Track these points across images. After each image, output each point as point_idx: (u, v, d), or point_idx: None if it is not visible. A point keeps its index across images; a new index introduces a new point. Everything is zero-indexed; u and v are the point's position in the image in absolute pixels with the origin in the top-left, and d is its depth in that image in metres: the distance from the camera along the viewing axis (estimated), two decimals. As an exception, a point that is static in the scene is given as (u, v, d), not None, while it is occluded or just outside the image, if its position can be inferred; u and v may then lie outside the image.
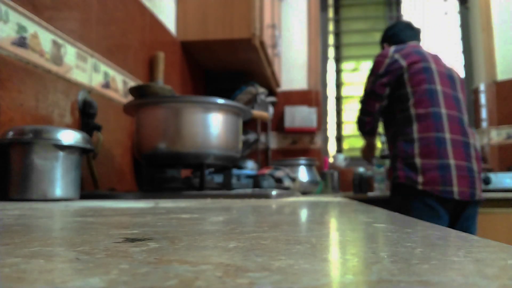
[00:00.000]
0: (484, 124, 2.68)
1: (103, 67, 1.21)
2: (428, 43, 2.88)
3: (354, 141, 3.02)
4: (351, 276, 0.13)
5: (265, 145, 2.73)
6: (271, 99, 2.59)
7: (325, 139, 2.96)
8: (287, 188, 1.33)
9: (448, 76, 1.61)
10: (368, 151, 1.90)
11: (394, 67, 1.62)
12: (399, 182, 1.49)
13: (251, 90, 2.11)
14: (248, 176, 1.20)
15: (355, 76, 3.05)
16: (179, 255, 0.17)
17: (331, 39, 3.07)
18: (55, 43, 0.99)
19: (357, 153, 2.95)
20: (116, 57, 1.29)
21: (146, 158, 1.06)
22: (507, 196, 1.91)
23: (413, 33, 1.76)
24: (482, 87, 2.70)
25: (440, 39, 2.93)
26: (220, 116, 1.04)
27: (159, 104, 1.02)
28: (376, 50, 3.11)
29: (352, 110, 3.01)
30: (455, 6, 2.94)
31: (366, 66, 3.00)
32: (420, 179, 1.45)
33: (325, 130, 2.97)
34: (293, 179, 1.46)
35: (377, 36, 3.14)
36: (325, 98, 3.01)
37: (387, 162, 2.32)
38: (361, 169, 2.81)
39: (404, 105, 1.57)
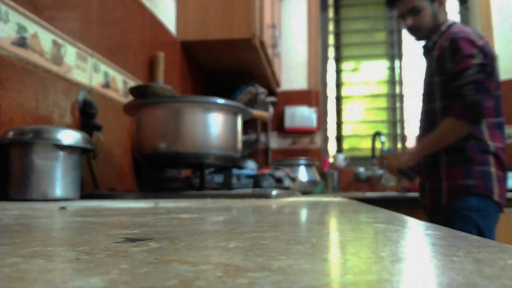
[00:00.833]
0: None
1: (103, 67, 1.21)
2: (428, 43, 2.88)
3: (354, 141, 3.02)
4: (351, 276, 0.13)
5: (265, 145, 2.73)
6: (271, 99, 2.59)
7: (325, 139, 2.96)
8: (287, 188, 1.33)
9: None
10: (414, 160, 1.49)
11: (492, 53, 1.38)
12: (476, 192, 1.35)
13: (251, 90, 2.11)
14: (248, 176, 1.20)
15: (355, 76, 3.05)
16: (179, 255, 0.17)
17: (331, 39, 3.07)
18: (55, 43, 0.99)
19: (358, 153, 2.96)
20: (116, 57, 1.29)
21: (146, 158, 1.06)
22: (508, 196, 1.90)
23: None
24: (482, 87, 2.70)
25: (440, 39, 2.93)
26: (220, 116, 1.04)
27: (159, 104, 1.02)
28: (376, 50, 3.11)
29: (351, 110, 3.01)
30: (455, 6, 2.94)
31: (366, 66, 3.00)
32: (496, 190, 1.35)
33: (325, 130, 2.97)
34: (293, 179, 1.46)
35: (377, 36, 3.14)
36: (325, 98, 3.01)
37: None
38: (361, 169, 2.81)
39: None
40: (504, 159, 1.40)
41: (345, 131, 3.03)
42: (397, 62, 2.97)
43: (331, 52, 3.07)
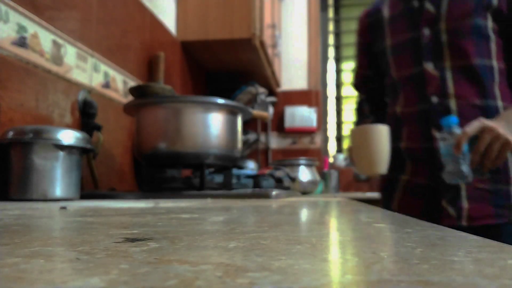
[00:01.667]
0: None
1: (103, 67, 1.21)
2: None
3: (354, 141, 3.02)
4: (351, 276, 0.13)
5: (265, 145, 2.73)
6: (271, 99, 2.59)
7: (325, 139, 2.96)
8: (287, 188, 1.33)
9: None
10: None
11: None
12: None
13: (251, 90, 2.12)
14: (248, 176, 1.20)
15: (355, 76, 3.05)
16: (179, 255, 0.17)
17: (331, 39, 3.07)
18: (55, 43, 0.99)
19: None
20: (116, 57, 1.29)
21: (146, 158, 1.06)
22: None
23: None
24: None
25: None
26: (220, 116, 1.04)
27: (159, 104, 1.02)
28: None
29: (352, 110, 3.01)
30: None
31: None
32: None
33: (325, 130, 2.97)
34: (293, 179, 1.45)
35: (377, 36, 3.14)
36: (325, 98, 3.01)
37: None
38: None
39: None
40: None
41: (345, 131, 3.03)
42: (397, 62, 2.97)
43: (331, 52, 3.07)
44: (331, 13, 3.10)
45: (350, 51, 3.07)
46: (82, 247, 0.19)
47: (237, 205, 0.59)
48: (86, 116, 1.08)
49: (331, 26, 3.08)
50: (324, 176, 2.58)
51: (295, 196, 1.18)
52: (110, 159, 1.25)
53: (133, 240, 0.21)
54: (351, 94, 3.04)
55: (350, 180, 2.84)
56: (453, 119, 0.94)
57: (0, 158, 0.77)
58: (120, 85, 1.30)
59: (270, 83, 2.45)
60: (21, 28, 0.88)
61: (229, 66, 2.18)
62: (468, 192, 0.98)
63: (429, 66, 1.03)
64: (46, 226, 0.30)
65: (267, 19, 2.10)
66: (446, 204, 1.00)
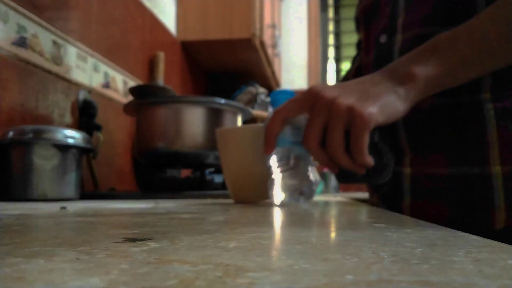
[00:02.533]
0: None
1: (103, 67, 1.21)
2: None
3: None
4: (351, 276, 0.13)
5: (265, 145, 2.73)
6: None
7: (325, 139, 2.96)
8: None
9: None
10: None
11: None
12: None
13: (251, 90, 2.12)
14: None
15: (355, 76, 3.05)
16: (179, 255, 0.17)
17: (331, 39, 3.07)
18: (55, 43, 0.99)
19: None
20: (116, 57, 1.29)
21: (146, 158, 1.06)
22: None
23: None
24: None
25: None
26: (220, 116, 1.04)
27: (159, 104, 1.03)
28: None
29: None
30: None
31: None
32: None
33: (325, 130, 2.97)
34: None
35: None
36: (325, 98, 3.01)
37: None
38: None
39: None
40: None
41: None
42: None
43: (331, 52, 3.07)
44: (331, 13, 3.10)
45: (350, 51, 3.07)
46: (82, 247, 0.19)
47: (237, 205, 0.59)
48: (86, 116, 1.08)
49: (331, 26, 3.08)
50: (324, 176, 2.58)
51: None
52: (110, 159, 1.25)
53: (133, 240, 0.21)
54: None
55: (350, 180, 2.84)
56: (286, 92, 0.61)
57: (0, 158, 0.77)
58: (120, 85, 1.30)
59: (270, 83, 2.45)
60: (21, 28, 0.88)
61: (229, 66, 2.18)
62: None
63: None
64: (46, 226, 0.30)
65: (267, 19, 2.10)
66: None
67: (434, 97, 0.58)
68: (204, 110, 1.02)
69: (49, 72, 0.97)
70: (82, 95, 1.08)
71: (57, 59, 1.00)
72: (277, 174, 0.55)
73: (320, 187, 2.38)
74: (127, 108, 1.09)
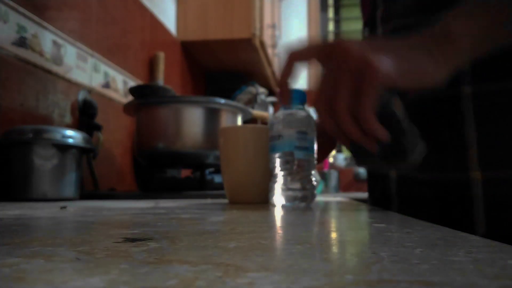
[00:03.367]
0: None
1: (103, 67, 1.21)
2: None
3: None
4: (351, 276, 0.13)
5: (265, 145, 2.73)
6: (271, 99, 2.59)
7: (325, 139, 2.96)
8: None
9: None
10: None
11: None
12: None
13: (251, 90, 2.12)
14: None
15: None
16: (179, 255, 0.17)
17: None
18: (55, 43, 0.99)
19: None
20: (116, 57, 1.29)
21: (146, 158, 1.05)
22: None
23: None
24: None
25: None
26: (220, 116, 1.04)
27: (159, 104, 1.02)
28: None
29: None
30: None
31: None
32: None
33: (325, 130, 2.97)
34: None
35: (377, 36, 3.13)
36: (325, 98, 3.01)
37: None
38: (361, 169, 2.80)
39: None
40: None
41: (345, 131, 3.03)
42: (397, 62, 2.97)
43: (331, 52, 3.07)
44: (331, 13, 3.10)
45: (350, 51, 3.07)
46: (82, 247, 0.19)
47: (237, 205, 0.59)
48: (86, 116, 1.08)
49: (331, 26, 3.08)
50: (324, 176, 2.58)
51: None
52: (110, 159, 1.25)
53: (133, 240, 0.21)
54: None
55: (350, 180, 2.84)
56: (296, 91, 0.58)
57: (0, 158, 0.77)
58: (120, 85, 1.30)
59: (270, 83, 2.45)
60: (21, 28, 0.88)
61: (229, 66, 2.18)
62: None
63: None
64: (46, 226, 0.30)
65: (267, 19, 2.10)
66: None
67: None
68: (204, 110, 1.02)
69: (49, 72, 0.97)
70: (82, 95, 1.08)
71: (57, 59, 1.00)
72: (279, 178, 0.55)
73: (320, 187, 2.38)
74: (127, 108, 1.09)
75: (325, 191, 2.51)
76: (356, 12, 3.11)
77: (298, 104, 0.57)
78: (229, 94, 2.13)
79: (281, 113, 0.56)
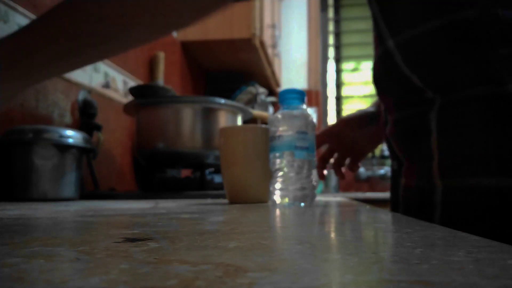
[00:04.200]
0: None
1: (103, 67, 1.21)
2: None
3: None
4: (351, 276, 0.13)
5: (265, 145, 2.73)
6: (271, 99, 2.59)
7: (325, 139, 2.96)
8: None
9: None
10: None
11: None
12: None
13: (251, 90, 2.11)
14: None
15: (355, 76, 3.05)
16: (179, 255, 0.17)
17: (331, 39, 3.07)
18: (55, 43, 0.99)
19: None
20: (116, 57, 1.29)
21: (146, 158, 1.05)
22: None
23: None
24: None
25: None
26: (220, 116, 1.04)
27: (159, 104, 1.02)
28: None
29: (351, 111, 3.01)
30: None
31: (366, 66, 3.00)
32: None
33: (325, 130, 2.97)
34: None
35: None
36: (325, 98, 3.01)
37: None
38: (361, 169, 2.80)
39: None
40: None
41: (345, 131, 3.03)
42: (397, 62, 2.97)
43: (331, 52, 3.07)
44: (331, 13, 3.10)
45: (350, 51, 3.07)
46: (82, 247, 0.19)
47: (237, 205, 0.59)
48: (86, 116, 1.08)
49: (331, 26, 3.08)
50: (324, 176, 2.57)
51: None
52: (110, 159, 1.25)
53: (133, 240, 0.21)
54: (351, 94, 3.04)
55: (350, 180, 2.84)
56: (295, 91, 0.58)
57: (0, 158, 0.77)
58: (120, 85, 1.30)
59: (270, 83, 2.45)
60: (21, 28, 0.88)
61: (229, 66, 2.18)
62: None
63: None
64: (46, 226, 0.30)
65: (267, 19, 2.10)
66: None
67: (396, 96, 0.56)
68: (204, 110, 1.02)
69: (49, 72, 0.97)
70: (82, 95, 1.08)
71: (57, 59, 1.00)
72: (279, 178, 0.55)
73: (320, 187, 2.38)
74: (127, 108, 1.09)
75: (325, 191, 2.51)
76: (356, 12, 3.11)
77: (298, 104, 0.57)
78: (229, 94, 2.13)
79: (281, 113, 0.57)
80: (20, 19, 0.88)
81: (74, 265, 0.15)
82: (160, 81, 1.54)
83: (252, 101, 2.15)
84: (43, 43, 0.46)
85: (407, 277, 0.13)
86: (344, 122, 0.81)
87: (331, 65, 3.06)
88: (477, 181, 0.48)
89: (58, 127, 0.83)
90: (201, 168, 1.04)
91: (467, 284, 0.12)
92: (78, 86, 1.08)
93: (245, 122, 1.20)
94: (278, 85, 2.67)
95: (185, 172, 1.68)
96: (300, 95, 0.58)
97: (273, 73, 2.38)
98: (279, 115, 0.56)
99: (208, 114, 1.03)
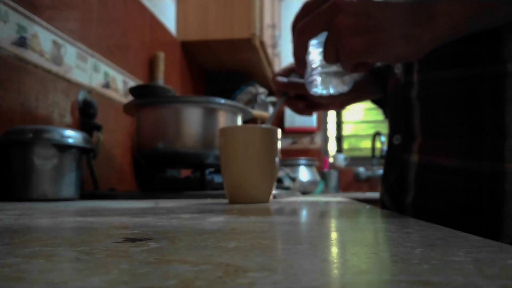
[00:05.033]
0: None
1: (103, 67, 1.21)
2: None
3: (354, 141, 3.02)
4: (351, 276, 0.13)
5: (265, 145, 2.73)
6: (271, 99, 2.59)
7: (325, 139, 2.96)
8: (287, 188, 1.33)
9: None
10: None
11: None
12: None
13: (251, 90, 2.11)
14: (248, 176, 1.20)
15: (355, 76, 3.05)
16: (179, 255, 0.17)
17: (331, 39, 3.07)
18: (55, 43, 0.99)
19: (358, 153, 2.96)
20: (116, 57, 1.29)
21: (146, 158, 1.05)
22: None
23: None
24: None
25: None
26: (220, 116, 1.04)
27: (159, 104, 1.02)
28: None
29: (351, 110, 3.01)
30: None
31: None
32: None
33: (325, 130, 2.97)
34: (293, 179, 1.45)
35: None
36: (325, 98, 3.01)
37: None
38: (361, 169, 2.80)
39: None
40: None
41: (345, 131, 3.03)
42: (397, 62, 2.97)
43: (331, 52, 3.07)
44: (331, 13, 3.10)
45: (350, 51, 3.07)
46: (82, 247, 0.19)
47: (237, 205, 0.59)
48: (86, 116, 1.08)
49: (331, 26, 3.08)
50: (324, 176, 2.57)
51: (295, 196, 1.18)
52: (110, 159, 1.25)
53: (133, 240, 0.21)
54: (351, 94, 3.04)
55: (350, 180, 2.84)
56: None
57: (0, 158, 0.77)
58: (120, 85, 1.30)
59: (270, 83, 2.44)
60: (21, 28, 0.88)
61: (229, 66, 2.18)
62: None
63: None
64: (46, 226, 0.30)
65: (267, 19, 2.10)
66: None
67: (453, 67, 0.51)
68: (204, 110, 1.02)
69: (49, 72, 0.97)
70: (82, 95, 1.08)
71: (57, 59, 1.00)
72: (317, 65, 0.56)
73: (320, 187, 2.38)
74: (127, 108, 1.09)
75: (325, 191, 2.51)
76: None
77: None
78: (229, 94, 2.13)
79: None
80: (20, 19, 0.88)
81: (74, 265, 0.15)
82: (160, 81, 1.54)
83: (252, 101, 2.15)
84: None
85: (407, 277, 0.13)
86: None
87: (331, 65, 3.06)
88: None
89: (58, 127, 0.83)
90: (201, 168, 1.04)
91: (467, 284, 0.12)
92: (78, 86, 1.08)
93: (245, 122, 1.20)
94: (278, 85, 2.67)
95: (185, 172, 1.68)
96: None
97: (273, 73, 2.38)
98: None
99: (208, 114, 1.03)
